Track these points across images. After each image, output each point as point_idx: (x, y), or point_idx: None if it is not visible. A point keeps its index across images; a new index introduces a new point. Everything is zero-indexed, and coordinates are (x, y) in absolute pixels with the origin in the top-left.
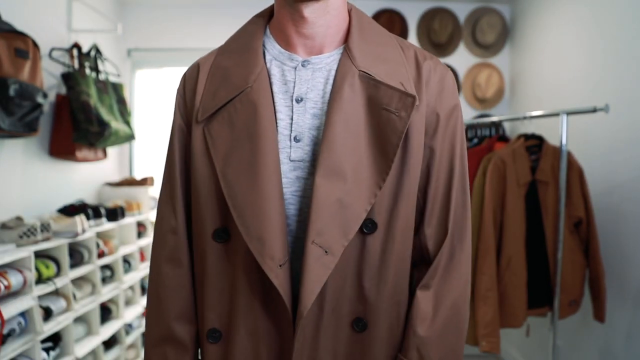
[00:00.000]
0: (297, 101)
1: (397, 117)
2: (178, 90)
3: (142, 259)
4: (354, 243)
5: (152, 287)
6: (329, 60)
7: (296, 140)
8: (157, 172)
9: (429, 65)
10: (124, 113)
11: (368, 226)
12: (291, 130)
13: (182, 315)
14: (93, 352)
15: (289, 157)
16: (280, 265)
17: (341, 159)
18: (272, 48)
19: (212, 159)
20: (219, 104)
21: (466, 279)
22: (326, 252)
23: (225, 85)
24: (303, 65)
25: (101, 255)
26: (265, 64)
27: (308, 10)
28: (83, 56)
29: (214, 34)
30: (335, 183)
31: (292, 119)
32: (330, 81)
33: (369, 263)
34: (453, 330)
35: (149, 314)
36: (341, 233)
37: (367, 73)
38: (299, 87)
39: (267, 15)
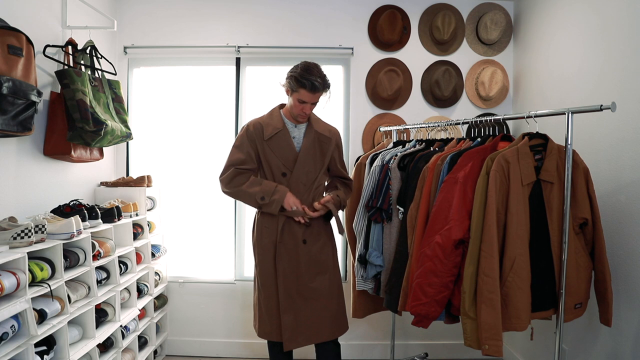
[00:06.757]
0: (294, 138)
1: (328, 145)
2: (247, 129)
3: (139, 260)
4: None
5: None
6: (304, 126)
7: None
8: (154, 171)
9: (334, 132)
10: (121, 111)
11: (317, 180)
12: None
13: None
14: (88, 356)
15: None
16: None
17: (308, 159)
18: (285, 119)
19: (274, 152)
20: (271, 135)
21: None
22: (304, 184)
23: (271, 129)
24: (296, 127)
25: (97, 256)
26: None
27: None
28: (78, 53)
29: (211, 32)
30: (305, 165)
31: (295, 143)
32: (304, 133)
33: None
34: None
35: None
36: (304, 181)
37: (318, 131)
38: (292, 132)
39: (280, 105)
